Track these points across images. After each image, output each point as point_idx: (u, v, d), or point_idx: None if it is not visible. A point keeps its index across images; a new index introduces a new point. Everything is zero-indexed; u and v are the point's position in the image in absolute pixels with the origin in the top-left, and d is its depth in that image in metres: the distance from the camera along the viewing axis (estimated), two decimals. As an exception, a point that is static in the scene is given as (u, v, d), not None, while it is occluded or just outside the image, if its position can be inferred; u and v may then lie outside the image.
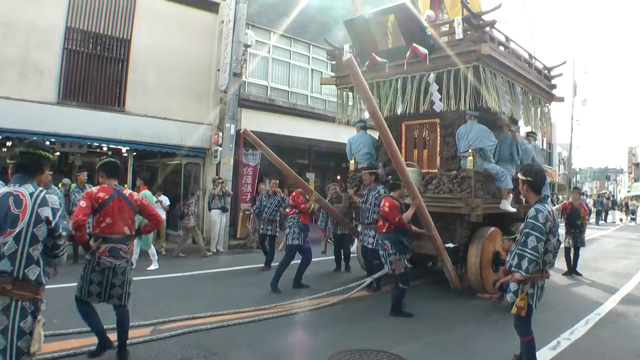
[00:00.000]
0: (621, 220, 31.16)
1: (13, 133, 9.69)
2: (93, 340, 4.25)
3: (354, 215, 8.86)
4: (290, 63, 14.47)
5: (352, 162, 8.91)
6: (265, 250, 9.29)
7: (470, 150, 7.18)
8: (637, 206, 32.43)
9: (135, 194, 4.54)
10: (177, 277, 8.14)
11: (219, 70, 12.55)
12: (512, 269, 3.78)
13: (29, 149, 2.88)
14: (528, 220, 3.76)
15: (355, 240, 9.76)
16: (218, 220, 11.26)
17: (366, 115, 8.05)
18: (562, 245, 7.67)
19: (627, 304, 7.09)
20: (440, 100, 7.08)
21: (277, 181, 9.48)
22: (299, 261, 7.45)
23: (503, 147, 7.96)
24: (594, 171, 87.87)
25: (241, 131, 8.75)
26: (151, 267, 8.61)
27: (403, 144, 8.35)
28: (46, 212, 2.73)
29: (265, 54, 13.81)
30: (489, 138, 7.31)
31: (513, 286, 3.89)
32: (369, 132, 8.95)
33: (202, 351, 4.47)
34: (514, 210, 7.67)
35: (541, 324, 4.99)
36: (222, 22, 12.61)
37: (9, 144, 10.22)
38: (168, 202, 10.87)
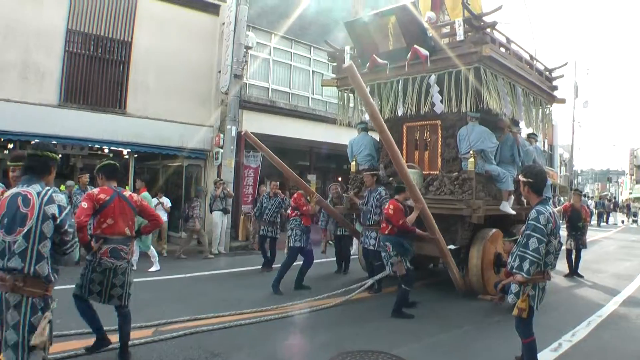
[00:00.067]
0: (623, 222, 31.17)
1: (14, 135, 9.72)
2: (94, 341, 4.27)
3: (354, 217, 8.86)
4: (291, 65, 14.51)
5: (353, 163, 8.92)
6: (264, 252, 9.27)
7: (471, 152, 7.18)
8: (639, 208, 32.37)
9: (135, 195, 4.62)
10: (179, 279, 8.14)
11: (219, 72, 12.58)
12: (514, 270, 3.79)
13: (36, 151, 3.00)
14: (529, 222, 3.76)
15: (355, 242, 9.79)
16: (219, 221, 11.27)
17: (367, 116, 8.05)
18: (563, 247, 7.67)
19: (629, 306, 7.07)
20: (441, 101, 7.09)
21: (278, 183, 9.50)
22: (301, 263, 7.46)
23: (504, 149, 7.96)
24: (595, 173, 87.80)
25: (242, 133, 8.77)
26: (152, 269, 8.62)
27: (404, 145, 8.36)
28: (52, 209, 2.81)
29: (266, 55, 13.84)
30: (490, 139, 7.31)
31: (514, 288, 3.89)
32: (370, 133, 8.95)
33: (203, 352, 4.47)
34: (513, 212, 7.66)
35: (542, 326, 5.00)
36: (223, 24, 12.65)
37: (10, 146, 10.25)
38: (169, 204, 10.89)
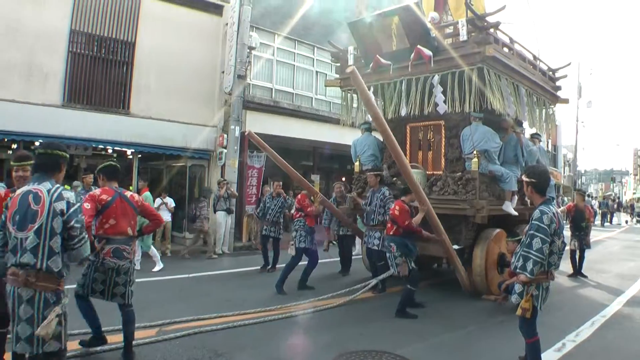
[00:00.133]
0: (626, 222, 31.02)
1: (18, 136, 9.77)
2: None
3: (357, 217, 8.86)
4: (294, 65, 14.51)
5: (356, 164, 8.92)
6: (265, 253, 9.26)
7: (474, 152, 7.18)
8: (643, 208, 32.28)
9: (136, 195, 4.65)
10: (183, 279, 8.16)
11: (223, 72, 12.60)
12: (517, 270, 3.79)
13: (47, 150, 3.09)
14: (533, 222, 3.76)
15: (358, 242, 9.79)
16: (223, 222, 11.29)
17: (370, 117, 8.06)
18: (567, 247, 7.65)
19: (633, 306, 7.06)
20: (445, 102, 7.08)
21: (281, 183, 9.52)
22: (305, 263, 7.49)
23: (508, 149, 7.95)
24: (599, 173, 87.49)
25: (246, 133, 8.79)
26: (156, 268, 8.64)
27: (408, 145, 8.37)
28: (61, 205, 2.91)
29: (270, 56, 13.85)
30: (494, 140, 7.30)
31: (518, 288, 3.89)
32: (373, 134, 8.95)
33: (207, 352, 4.49)
34: (515, 213, 7.64)
35: (546, 326, 4.99)
36: (227, 24, 12.66)
37: (14, 146, 10.30)
38: (173, 204, 10.92)
